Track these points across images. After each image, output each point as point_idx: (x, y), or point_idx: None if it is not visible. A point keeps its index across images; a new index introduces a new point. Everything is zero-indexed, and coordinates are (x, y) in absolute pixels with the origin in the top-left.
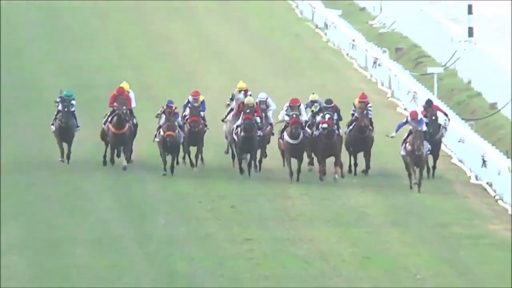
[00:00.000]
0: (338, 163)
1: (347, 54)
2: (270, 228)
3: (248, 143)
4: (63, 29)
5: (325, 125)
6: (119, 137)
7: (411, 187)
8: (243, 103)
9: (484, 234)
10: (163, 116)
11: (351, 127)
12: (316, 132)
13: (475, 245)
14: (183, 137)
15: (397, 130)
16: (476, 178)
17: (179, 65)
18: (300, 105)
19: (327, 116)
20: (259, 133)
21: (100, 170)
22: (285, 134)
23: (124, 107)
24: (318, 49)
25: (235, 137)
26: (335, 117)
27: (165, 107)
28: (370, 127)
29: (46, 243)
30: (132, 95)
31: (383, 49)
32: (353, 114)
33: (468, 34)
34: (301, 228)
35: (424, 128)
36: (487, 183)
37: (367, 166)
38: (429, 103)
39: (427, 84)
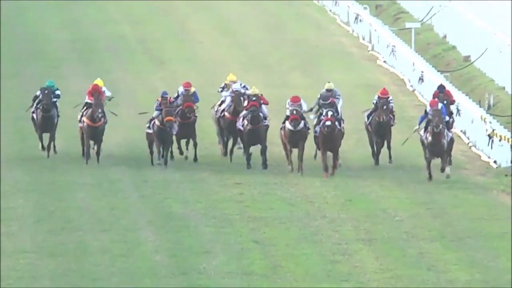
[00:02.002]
0: (335, 157)
1: (330, 11)
2: (258, 173)
3: (256, 135)
4: None
5: (328, 122)
6: (93, 129)
7: (430, 178)
8: (248, 96)
9: (457, 179)
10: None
11: (370, 118)
12: (316, 128)
13: (449, 189)
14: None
15: (419, 123)
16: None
17: (175, 20)
18: (300, 102)
19: (330, 113)
20: (266, 122)
21: None
22: (286, 123)
23: (100, 110)
24: (303, 6)
25: (241, 129)
26: (336, 113)
27: (160, 98)
28: (391, 115)
29: (49, 187)
30: (105, 89)
31: (364, 6)
32: (374, 103)
33: None
34: (287, 173)
35: (446, 118)
36: (461, 130)
37: (389, 155)
38: (441, 88)
39: (405, 38)
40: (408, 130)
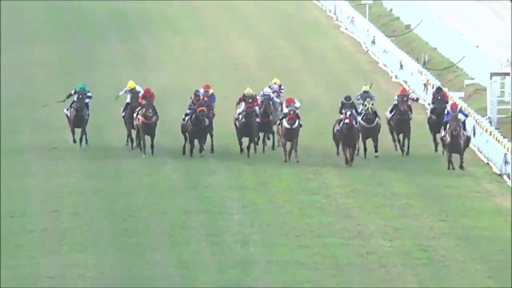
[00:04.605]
0: (352, 151)
1: None
2: None
3: (248, 128)
4: None
5: (347, 121)
6: (147, 125)
7: (453, 168)
8: (244, 94)
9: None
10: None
11: (393, 112)
12: (337, 127)
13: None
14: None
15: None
16: (396, 77)
17: None
18: (294, 102)
19: (348, 112)
20: (257, 120)
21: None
22: (283, 121)
23: (151, 110)
24: None
25: (236, 122)
26: (354, 112)
27: (193, 96)
28: (409, 111)
29: (92, 125)
30: (139, 88)
31: None
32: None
33: None
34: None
35: (463, 118)
36: (404, 80)
37: (407, 147)
38: (438, 89)
39: (361, 11)
40: (364, 81)
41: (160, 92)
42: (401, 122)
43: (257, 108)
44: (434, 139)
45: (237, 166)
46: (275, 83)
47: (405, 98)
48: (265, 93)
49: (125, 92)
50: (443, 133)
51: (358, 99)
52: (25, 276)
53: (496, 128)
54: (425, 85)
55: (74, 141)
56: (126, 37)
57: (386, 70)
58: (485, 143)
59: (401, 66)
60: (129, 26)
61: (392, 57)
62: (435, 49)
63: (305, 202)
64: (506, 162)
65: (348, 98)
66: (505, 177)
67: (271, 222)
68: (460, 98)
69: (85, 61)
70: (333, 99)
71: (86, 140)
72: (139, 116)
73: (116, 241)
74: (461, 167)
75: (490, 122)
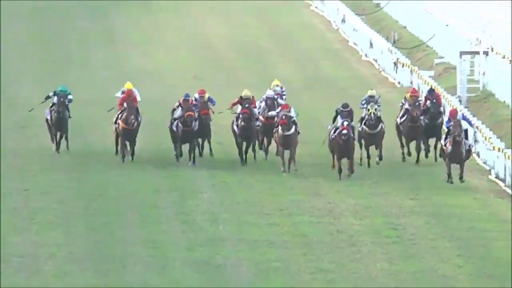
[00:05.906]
0: (351, 164)
1: None
2: None
3: (247, 131)
4: None
5: (345, 131)
6: (128, 132)
7: (451, 182)
8: (241, 96)
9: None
10: (179, 108)
11: (403, 118)
12: (332, 136)
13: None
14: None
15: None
16: (366, 55)
17: None
18: (289, 109)
19: (345, 123)
20: (257, 123)
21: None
22: (279, 128)
23: (133, 117)
24: None
25: (235, 127)
26: (351, 122)
27: (181, 100)
28: (421, 117)
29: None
30: (136, 90)
31: None
32: (401, 106)
33: None
34: None
35: (466, 126)
36: (374, 59)
37: (417, 154)
38: (431, 91)
39: None
40: (334, 58)
41: (131, 71)
42: (412, 129)
43: (254, 109)
44: (426, 143)
45: (207, 145)
46: (277, 85)
47: (417, 103)
48: (268, 96)
49: (122, 93)
50: (443, 141)
51: (362, 104)
52: None
53: (466, 107)
54: (395, 63)
55: (58, 150)
56: (96, 15)
57: (356, 49)
58: None
59: (371, 44)
60: (99, 4)
61: (362, 35)
62: (405, 27)
63: (275, 181)
64: (475, 141)
65: (345, 105)
66: (474, 155)
67: (241, 201)
68: (430, 76)
69: (55, 39)
70: (303, 77)
71: (67, 144)
72: (119, 121)
73: (87, 220)
74: (461, 178)
75: (460, 100)
